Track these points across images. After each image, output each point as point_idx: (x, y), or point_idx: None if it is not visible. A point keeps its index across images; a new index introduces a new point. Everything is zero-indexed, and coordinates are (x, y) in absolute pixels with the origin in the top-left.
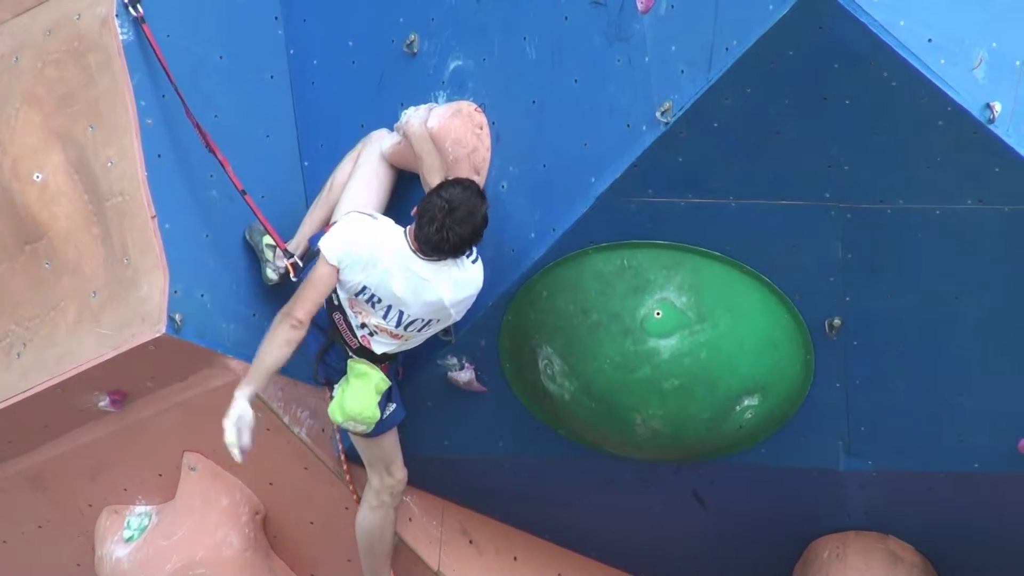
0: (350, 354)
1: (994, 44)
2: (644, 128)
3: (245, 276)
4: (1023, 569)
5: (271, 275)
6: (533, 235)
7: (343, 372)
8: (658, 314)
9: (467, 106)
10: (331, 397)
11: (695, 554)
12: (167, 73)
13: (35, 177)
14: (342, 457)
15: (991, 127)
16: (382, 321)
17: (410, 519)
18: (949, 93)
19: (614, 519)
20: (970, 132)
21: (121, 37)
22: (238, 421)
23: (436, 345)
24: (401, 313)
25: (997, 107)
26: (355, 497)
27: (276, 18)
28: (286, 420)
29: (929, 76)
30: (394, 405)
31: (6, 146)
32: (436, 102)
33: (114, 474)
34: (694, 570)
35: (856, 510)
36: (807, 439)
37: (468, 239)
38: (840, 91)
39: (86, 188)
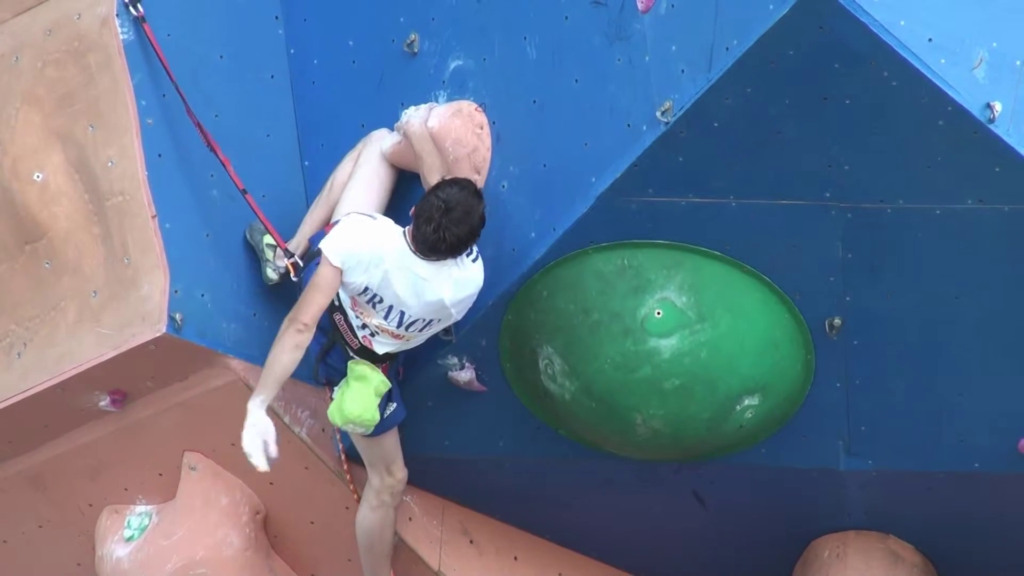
0: (351, 355)
1: (994, 44)
2: (644, 128)
3: (245, 276)
4: (1023, 569)
5: (271, 275)
6: (533, 235)
7: (344, 372)
8: (658, 314)
9: (467, 106)
10: (331, 398)
11: (695, 554)
12: (168, 73)
13: (35, 177)
14: (342, 457)
15: (991, 127)
16: (383, 322)
17: (410, 519)
18: (949, 93)
19: (614, 519)
20: (970, 132)
21: (121, 37)
22: (258, 432)
23: (437, 345)
24: (402, 313)
25: (997, 107)
26: (355, 497)
27: (276, 18)
28: (286, 420)
29: (929, 76)
30: (395, 404)
31: (6, 146)
32: (436, 102)
33: (114, 474)
34: (694, 570)
35: (856, 510)
36: (807, 439)
37: (465, 239)
38: (840, 91)
39: (86, 188)
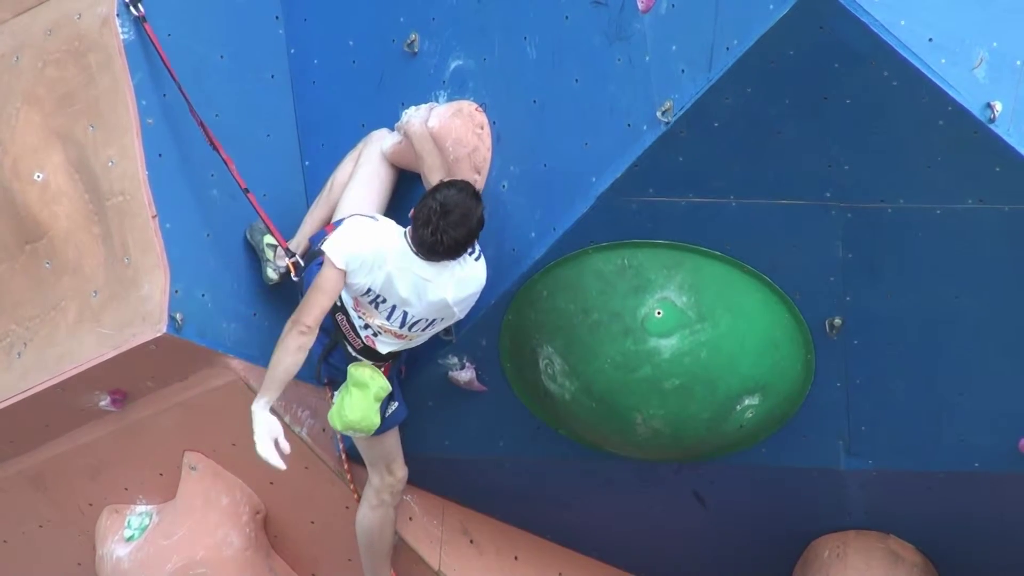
0: (354, 355)
1: (994, 44)
2: (645, 128)
3: (246, 276)
4: (1023, 569)
5: (272, 274)
6: (533, 235)
7: (346, 372)
8: (659, 314)
9: (468, 106)
10: (331, 397)
11: (695, 554)
12: (170, 72)
13: (35, 177)
14: (343, 456)
15: (991, 127)
16: (386, 322)
17: (411, 518)
18: (950, 93)
19: (614, 519)
20: (970, 132)
21: (122, 36)
22: (267, 432)
23: (437, 345)
24: (405, 314)
25: (998, 107)
26: (356, 496)
27: (277, 17)
28: (287, 420)
29: (930, 76)
30: (396, 404)
31: (7, 146)
32: (437, 102)
33: (115, 474)
34: (694, 570)
35: (856, 510)
36: (807, 439)
37: (463, 242)
38: (840, 91)
39: (87, 188)
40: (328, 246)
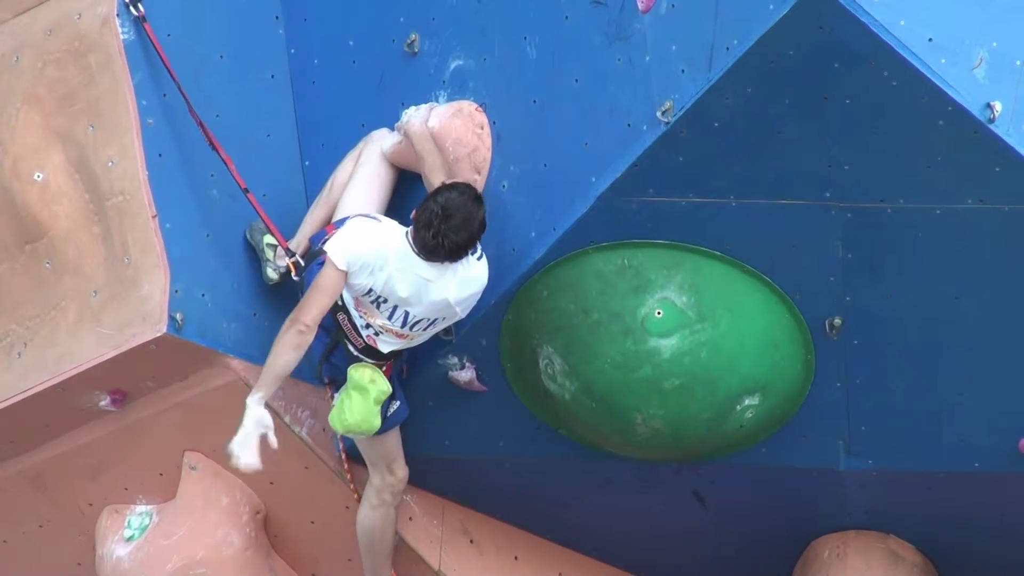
0: (355, 354)
1: (994, 44)
2: (645, 128)
3: (246, 275)
4: (1023, 569)
5: (272, 274)
6: (534, 234)
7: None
8: (659, 313)
9: (468, 106)
10: (332, 397)
11: (695, 554)
12: (169, 72)
13: (36, 177)
14: (343, 456)
15: (991, 127)
16: (387, 322)
17: (411, 518)
18: (949, 93)
19: (614, 519)
20: (970, 132)
21: (122, 36)
22: (256, 424)
23: (437, 345)
24: (407, 313)
25: (997, 107)
26: (356, 496)
27: (277, 17)
28: (287, 420)
29: (929, 76)
30: (398, 403)
31: (7, 146)
32: (437, 102)
33: (115, 473)
34: (694, 570)
35: (856, 510)
36: (807, 439)
37: (464, 245)
38: (840, 91)
39: (87, 187)
40: (330, 246)
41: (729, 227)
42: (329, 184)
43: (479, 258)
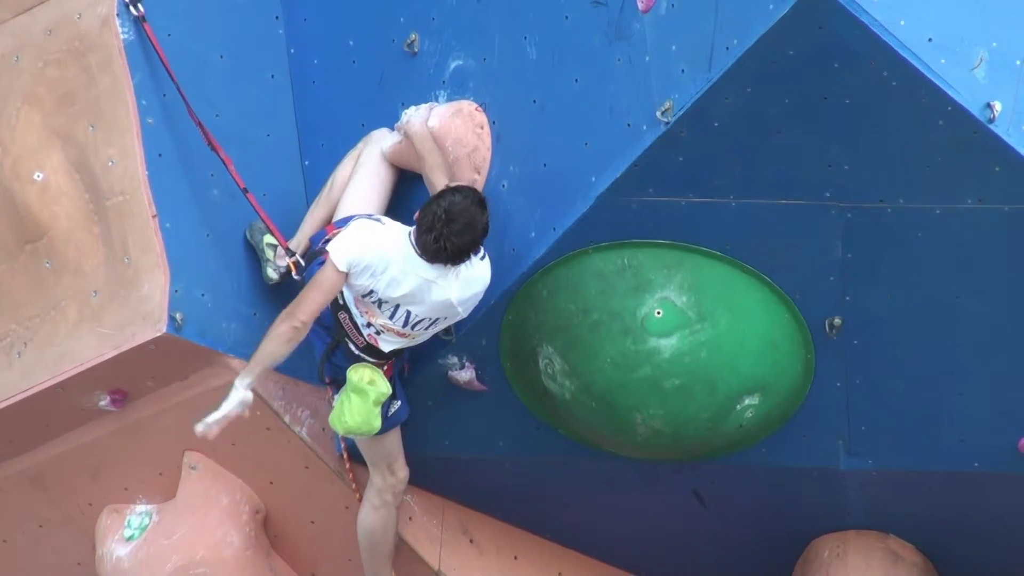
0: (356, 353)
1: (994, 44)
2: (644, 127)
3: (246, 275)
4: (1023, 569)
5: (272, 274)
6: (533, 234)
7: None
8: (658, 313)
9: (468, 105)
10: (332, 398)
11: (695, 554)
12: (169, 72)
13: (36, 177)
14: (344, 456)
15: (991, 127)
16: (388, 321)
17: (411, 518)
18: (949, 93)
19: (614, 518)
20: (970, 132)
21: (122, 36)
22: (238, 403)
23: (437, 344)
24: (409, 313)
25: (997, 107)
26: (357, 496)
27: (277, 17)
28: (287, 419)
29: (929, 76)
30: (399, 403)
31: (7, 146)
32: (437, 101)
33: (115, 473)
34: (694, 570)
35: (856, 510)
36: (807, 439)
37: (466, 249)
38: (840, 91)
39: (87, 187)
40: (332, 247)
41: (729, 227)
42: (329, 184)
43: (482, 258)
